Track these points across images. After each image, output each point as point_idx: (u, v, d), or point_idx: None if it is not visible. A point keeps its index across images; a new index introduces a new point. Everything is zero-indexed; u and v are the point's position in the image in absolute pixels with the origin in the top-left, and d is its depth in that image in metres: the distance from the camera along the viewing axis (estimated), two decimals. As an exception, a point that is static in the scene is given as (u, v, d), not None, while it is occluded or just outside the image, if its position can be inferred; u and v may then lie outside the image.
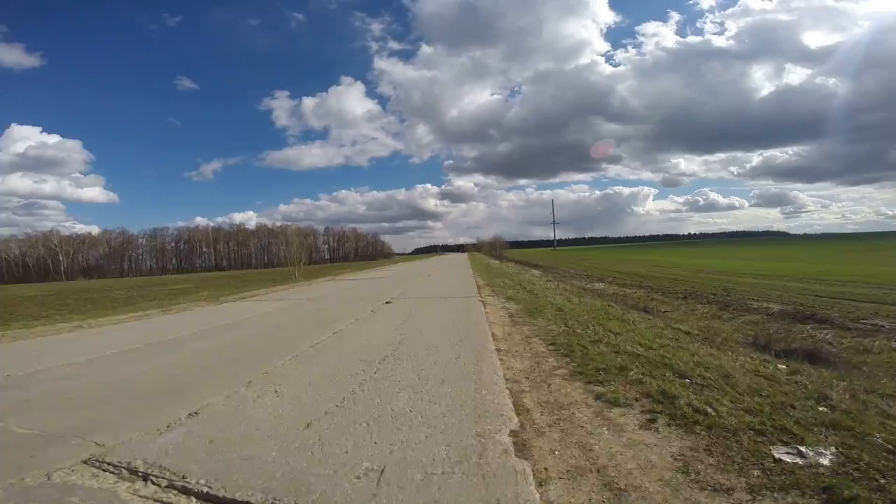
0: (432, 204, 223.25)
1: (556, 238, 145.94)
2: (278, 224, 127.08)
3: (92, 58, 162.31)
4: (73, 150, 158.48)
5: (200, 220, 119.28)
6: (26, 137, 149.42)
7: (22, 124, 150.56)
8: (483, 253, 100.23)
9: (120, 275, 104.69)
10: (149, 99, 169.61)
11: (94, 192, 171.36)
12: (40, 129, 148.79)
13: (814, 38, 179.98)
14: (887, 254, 35.78)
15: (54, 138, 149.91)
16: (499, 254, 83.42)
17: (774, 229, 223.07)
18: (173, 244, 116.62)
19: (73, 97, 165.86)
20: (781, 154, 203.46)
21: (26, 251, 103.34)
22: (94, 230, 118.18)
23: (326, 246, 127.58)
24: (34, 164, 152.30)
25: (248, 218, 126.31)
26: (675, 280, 20.47)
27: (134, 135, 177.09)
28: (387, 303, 11.94)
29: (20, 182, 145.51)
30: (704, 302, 12.77)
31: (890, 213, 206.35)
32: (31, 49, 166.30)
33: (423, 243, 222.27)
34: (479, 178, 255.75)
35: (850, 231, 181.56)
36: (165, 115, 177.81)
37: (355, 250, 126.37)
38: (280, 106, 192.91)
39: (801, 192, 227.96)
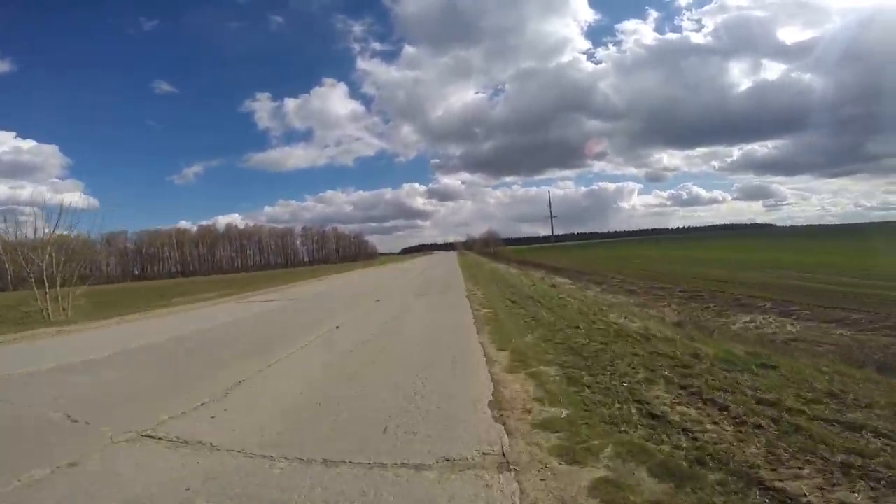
0: (420, 203, 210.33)
1: (545, 235, 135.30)
2: (251, 225, 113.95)
3: (65, 62, 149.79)
4: (49, 154, 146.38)
5: (184, 224, 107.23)
6: (0, 143, 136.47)
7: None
8: (475, 252, 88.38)
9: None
10: (126, 103, 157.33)
11: (74, 197, 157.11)
12: (14, 133, 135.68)
13: (789, 34, 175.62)
14: None
15: (29, 143, 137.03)
16: (494, 251, 71.34)
17: (758, 221, 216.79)
18: (134, 248, 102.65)
19: (48, 102, 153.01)
20: (761, 148, 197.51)
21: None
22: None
23: (305, 248, 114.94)
24: (9, 169, 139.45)
25: (233, 220, 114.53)
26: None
27: (112, 139, 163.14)
28: None
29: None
30: None
31: (868, 204, 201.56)
32: (1, 54, 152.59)
33: (412, 242, 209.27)
34: (465, 175, 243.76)
35: (830, 223, 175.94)
36: (144, 119, 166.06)
37: (336, 251, 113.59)
38: (262, 108, 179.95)
39: (782, 185, 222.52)
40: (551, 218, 70.65)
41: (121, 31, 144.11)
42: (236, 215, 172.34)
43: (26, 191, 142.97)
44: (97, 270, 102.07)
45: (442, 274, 24.71)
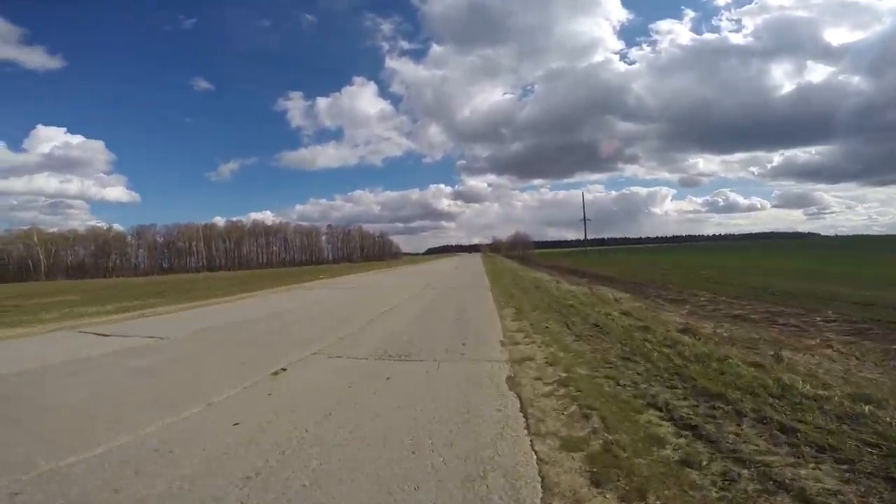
0: (445, 204, 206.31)
1: (574, 239, 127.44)
2: (281, 222, 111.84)
3: (109, 59, 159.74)
4: (96, 150, 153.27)
5: (219, 220, 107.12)
6: (52, 138, 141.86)
7: (48, 125, 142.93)
8: (502, 254, 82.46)
9: (104, 275, 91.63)
10: (166, 99, 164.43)
11: (118, 191, 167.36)
12: (65, 129, 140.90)
13: (835, 35, 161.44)
14: None
15: (78, 139, 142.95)
16: (522, 254, 65.06)
17: (799, 230, 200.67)
18: (162, 242, 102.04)
19: (94, 98, 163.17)
20: (803, 154, 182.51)
21: (5, 249, 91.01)
22: (81, 227, 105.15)
23: (330, 246, 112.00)
24: (60, 164, 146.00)
25: (265, 218, 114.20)
26: None
27: (153, 135, 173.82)
28: None
29: (46, 182, 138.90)
30: None
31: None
32: (52, 51, 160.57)
33: (436, 243, 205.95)
34: (492, 178, 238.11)
35: (878, 233, 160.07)
36: (182, 116, 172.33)
37: (361, 250, 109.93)
38: (294, 106, 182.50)
39: (825, 193, 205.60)
40: (584, 221, 63.93)
41: (159, 28, 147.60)
42: (268, 213, 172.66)
43: (73, 184, 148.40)
44: (127, 262, 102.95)
45: (464, 284, 17.83)
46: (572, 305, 9.61)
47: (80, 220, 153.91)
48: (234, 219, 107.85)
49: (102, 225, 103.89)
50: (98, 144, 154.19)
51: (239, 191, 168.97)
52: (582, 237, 65.22)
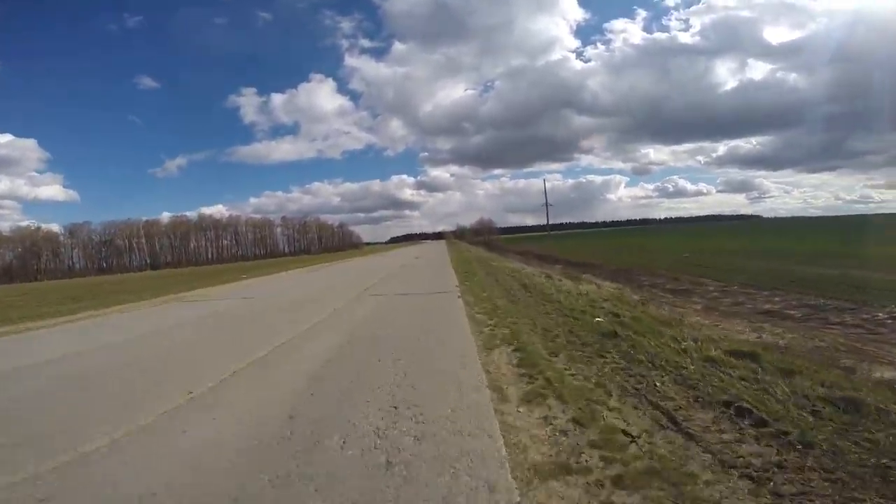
0: (408, 194, 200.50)
1: (535, 224, 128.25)
2: (234, 215, 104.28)
3: (42, 57, 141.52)
4: (27, 148, 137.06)
5: (167, 216, 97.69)
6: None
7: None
8: (466, 241, 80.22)
9: (34, 278, 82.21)
10: (107, 98, 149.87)
11: (53, 190, 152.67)
12: None
13: (775, 35, 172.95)
14: None
15: (7, 137, 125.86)
16: (487, 240, 63.01)
17: (742, 213, 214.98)
18: (99, 240, 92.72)
19: (24, 97, 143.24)
20: (746, 144, 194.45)
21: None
22: (8, 228, 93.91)
23: (286, 238, 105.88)
24: None
25: (217, 212, 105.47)
26: None
27: (93, 134, 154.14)
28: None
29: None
30: None
31: (848, 197, 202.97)
32: None
33: (400, 232, 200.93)
34: (454, 168, 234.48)
35: (813, 215, 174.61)
36: (126, 115, 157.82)
37: (319, 241, 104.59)
38: (248, 103, 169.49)
39: (765, 179, 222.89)
40: (546, 206, 62.85)
41: (102, 28, 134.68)
42: (221, 207, 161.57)
43: (2, 184, 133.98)
44: (60, 264, 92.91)
45: (423, 285, 13.32)
46: (614, 333, 5.48)
47: (13, 221, 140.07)
48: (185, 214, 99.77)
49: (31, 224, 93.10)
50: (30, 143, 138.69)
51: (188, 186, 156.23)
52: (542, 222, 64.02)
